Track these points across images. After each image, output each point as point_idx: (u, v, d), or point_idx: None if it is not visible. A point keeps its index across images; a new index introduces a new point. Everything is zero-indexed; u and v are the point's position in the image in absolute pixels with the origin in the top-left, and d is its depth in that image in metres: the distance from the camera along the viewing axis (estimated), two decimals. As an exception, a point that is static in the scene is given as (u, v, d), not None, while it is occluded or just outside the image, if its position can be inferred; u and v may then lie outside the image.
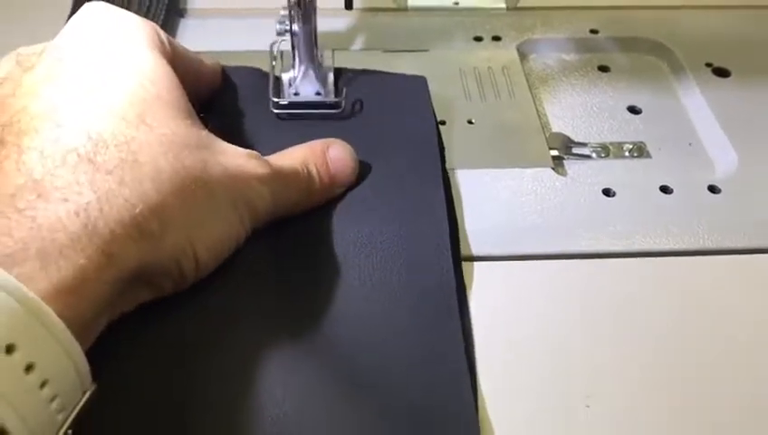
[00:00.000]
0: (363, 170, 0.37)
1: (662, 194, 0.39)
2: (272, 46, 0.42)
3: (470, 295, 0.33)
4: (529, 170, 0.40)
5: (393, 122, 0.40)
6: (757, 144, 0.42)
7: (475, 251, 0.35)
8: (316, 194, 0.35)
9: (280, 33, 0.41)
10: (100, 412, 0.25)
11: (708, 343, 0.32)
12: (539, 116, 0.44)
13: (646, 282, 0.35)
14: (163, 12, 0.48)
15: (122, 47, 0.31)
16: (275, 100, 0.40)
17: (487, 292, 0.34)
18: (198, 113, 0.32)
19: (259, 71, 0.42)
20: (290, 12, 0.38)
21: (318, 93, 0.41)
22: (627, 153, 0.42)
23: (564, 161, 0.42)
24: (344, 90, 0.40)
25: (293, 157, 0.34)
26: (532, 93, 0.45)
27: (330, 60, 0.43)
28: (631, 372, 0.31)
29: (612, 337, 0.32)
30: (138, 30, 0.32)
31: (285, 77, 0.42)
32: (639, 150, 0.42)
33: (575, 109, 0.45)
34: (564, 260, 0.35)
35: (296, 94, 0.41)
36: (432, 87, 0.42)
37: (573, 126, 0.44)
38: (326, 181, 0.35)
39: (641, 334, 0.32)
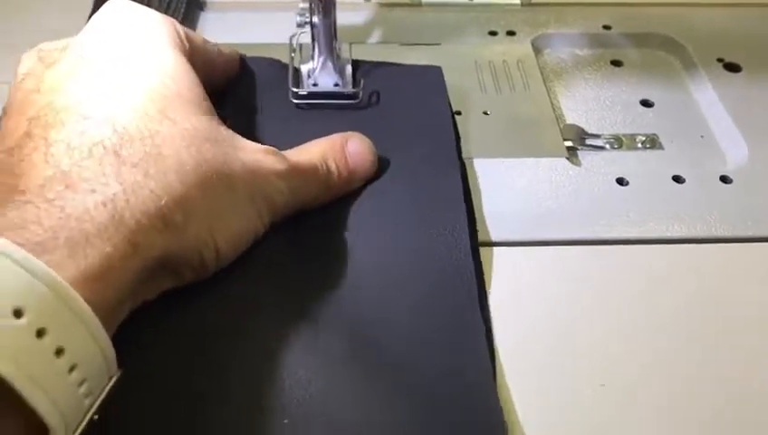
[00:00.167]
0: (381, 161, 0.37)
1: (674, 183, 0.40)
2: (291, 38, 0.43)
3: (489, 278, 0.34)
4: (544, 160, 0.40)
5: (410, 112, 0.40)
6: (768, 137, 0.43)
7: (494, 236, 0.36)
8: (335, 188, 0.35)
9: (300, 25, 0.42)
10: (124, 399, 0.25)
11: (718, 327, 0.33)
12: (553, 108, 0.44)
13: (658, 267, 0.35)
14: (183, 5, 0.49)
15: (144, 45, 0.31)
16: (295, 90, 0.40)
17: (505, 275, 0.34)
18: (214, 103, 0.32)
19: (278, 62, 0.43)
20: (311, 4, 0.39)
21: (336, 84, 0.42)
22: (639, 145, 0.43)
23: (578, 152, 0.42)
24: (362, 81, 0.41)
25: (312, 152, 0.34)
26: (546, 87, 0.46)
27: (347, 53, 0.43)
28: (645, 355, 0.32)
29: (626, 320, 0.33)
30: (159, 27, 0.32)
31: (304, 68, 0.42)
32: (652, 142, 0.43)
33: (589, 102, 0.46)
34: (579, 246, 0.36)
35: (315, 85, 0.42)
36: (448, 79, 0.43)
37: (587, 118, 0.45)
38: (345, 175, 0.35)
39: (654, 318, 0.33)
